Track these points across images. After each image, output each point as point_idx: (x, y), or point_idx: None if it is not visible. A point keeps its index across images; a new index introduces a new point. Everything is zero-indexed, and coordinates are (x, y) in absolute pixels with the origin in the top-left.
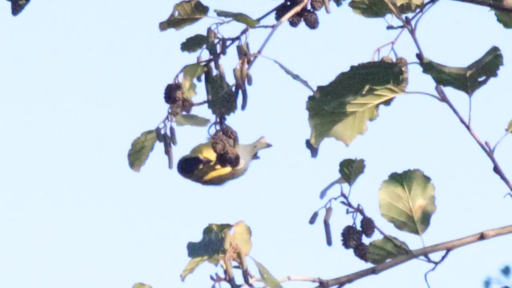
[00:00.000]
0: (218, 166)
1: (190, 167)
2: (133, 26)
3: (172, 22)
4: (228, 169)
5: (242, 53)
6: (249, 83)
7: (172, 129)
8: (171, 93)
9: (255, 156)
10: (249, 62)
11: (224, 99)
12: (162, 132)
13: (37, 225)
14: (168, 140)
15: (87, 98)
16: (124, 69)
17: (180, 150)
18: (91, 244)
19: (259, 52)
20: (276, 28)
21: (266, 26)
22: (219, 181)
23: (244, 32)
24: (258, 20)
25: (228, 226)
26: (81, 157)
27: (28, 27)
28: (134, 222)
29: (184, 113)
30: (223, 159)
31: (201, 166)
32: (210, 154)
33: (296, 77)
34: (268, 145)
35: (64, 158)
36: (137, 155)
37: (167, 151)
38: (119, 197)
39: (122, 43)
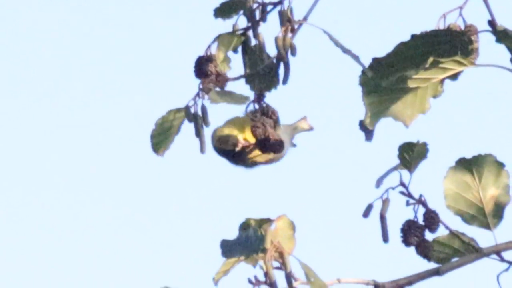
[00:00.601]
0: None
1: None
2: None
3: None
4: (266, 155)
5: (285, 19)
6: (293, 54)
7: (204, 108)
8: (203, 67)
9: (292, 143)
10: (293, 31)
11: (264, 72)
12: (193, 110)
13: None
14: (199, 120)
15: (105, 70)
16: (148, 38)
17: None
18: (108, 241)
19: (304, 18)
20: None
21: None
22: (255, 163)
23: None
24: None
25: (268, 221)
26: (99, 139)
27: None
28: (158, 216)
29: (217, 89)
30: (264, 144)
31: (239, 147)
32: (249, 134)
33: (346, 51)
34: (310, 128)
35: (81, 139)
36: (162, 137)
37: (199, 133)
38: (139, 186)
39: (145, 8)
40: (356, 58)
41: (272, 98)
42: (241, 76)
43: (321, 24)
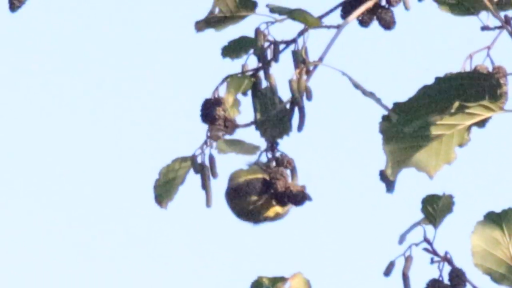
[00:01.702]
0: (272, 203)
1: (248, 190)
2: (163, 26)
3: (212, 21)
4: (278, 209)
5: (300, 60)
6: (308, 98)
7: (212, 158)
8: (210, 111)
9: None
10: (308, 72)
11: (276, 118)
12: (200, 160)
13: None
14: (206, 171)
15: (105, 112)
16: (151, 79)
17: (221, 184)
18: None
19: (320, 59)
20: (342, 29)
21: (329, 27)
22: (265, 219)
23: (301, 33)
24: (320, 18)
25: (282, 279)
26: (98, 187)
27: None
28: (161, 275)
29: (226, 136)
30: (284, 197)
31: (263, 191)
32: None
33: (367, 93)
34: (308, 199)
35: (83, 189)
36: (165, 188)
37: (205, 185)
38: (141, 241)
39: (149, 47)
40: (378, 101)
41: (283, 145)
42: (251, 122)
43: (337, 65)
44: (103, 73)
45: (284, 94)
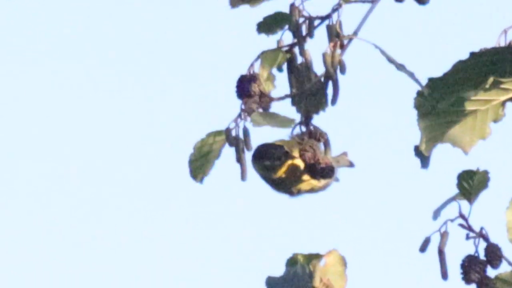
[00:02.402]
0: (305, 176)
1: (267, 154)
2: (198, 2)
3: None
4: (314, 182)
5: (334, 34)
6: (342, 72)
7: (246, 131)
8: (245, 86)
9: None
10: (343, 46)
11: (311, 93)
12: (234, 133)
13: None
14: (241, 144)
15: (137, 88)
16: (186, 54)
17: None
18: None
19: (355, 33)
20: (377, 4)
21: (364, 1)
22: (299, 191)
23: (336, 8)
24: None
25: (318, 256)
26: (131, 161)
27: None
28: (197, 249)
29: (260, 110)
30: (314, 170)
31: (282, 159)
32: (296, 158)
33: (400, 67)
34: (351, 165)
35: (112, 161)
36: (201, 162)
37: (240, 159)
38: (177, 215)
39: (186, 24)
40: (411, 75)
41: (319, 120)
42: (286, 96)
43: (372, 39)
44: (132, 48)
45: (319, 69)
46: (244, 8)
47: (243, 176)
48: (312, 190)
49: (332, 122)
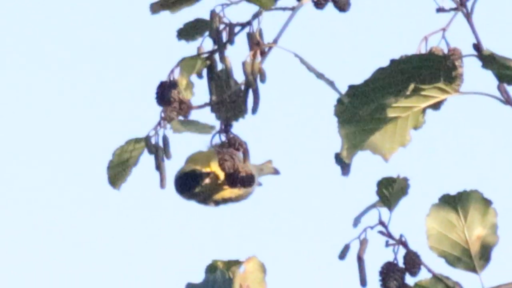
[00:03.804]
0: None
1: (191, 183)
2: (117, 8)
3: (166, 3)
4: (236, 191)
5: (254, 42)
6: (262, 80)
7: (165, 138)
8: (165, 93)
9: (258, 182)
10: (263, 54)
11: (231, 100)
12: (153, 141)
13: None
14: (160, 152)
15: (58, 96)
16: (106, 59)
17: (175, 165)
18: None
19: (275, 41)
20: (297, 11)
21: (284, 9)
22: (224, 200)
23: (256, 15)
24: (275, 0)
25: (237, 263)
26: (49, 164)
27: None
28: (112, 258)
29: (180, 118)
30: (233, 179)
31: (205, 182)
32: (215, 167)
33: (320, 75)
34: (276, 172)
35: (35, 173)
36: (119, 169)
37: (159, 166)
38: (93, 222)
39: (104, 29)
40: (331, 84)
41: (239, 128)
42: (206, 104)
43: (292, 47)
44: (57, 54)
45: (240, 76)
46: (165, 14)
47: (162, 184)
48: (235, 199)
49: (251, 131)
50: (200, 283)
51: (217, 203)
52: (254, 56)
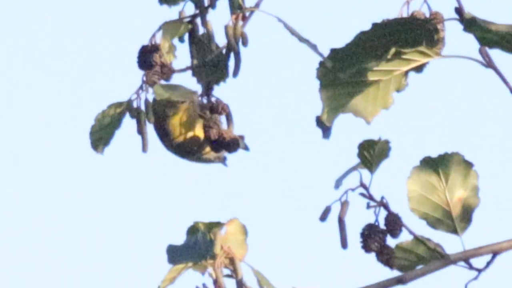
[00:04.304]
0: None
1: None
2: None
3: None
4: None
5: (236, 6)
6: (244, 44)
7: (147, 102)
8: (147, 57)
9: (245, 144)
10: (244, 18)
11: (212, 64)
12: (135, 105)
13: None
14: (142, 116)
15: (38, 60)
16: (89, 26)
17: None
18: (41, 244)
19: (256, 5)
20: None
21: None
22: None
23: None
24: None
25: (219, 224)
26: (33, 136)
27: None
28: (96, 219)
29: (163, 82)
30: (218, 144)
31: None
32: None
33: (303, 40)
34: (245, 148)
35: (14, 138)
36: (101, 133)
37: (141, 130)
38: (76, 185)
39: None
40: (314, 47)
41: (221, 91)
42: (187, 68)
43: (274, 11)
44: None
45: (221, 40)
46: None
47: (144, 148)
48: (212, 160)
49: (234, 94)
50: (181, 244)
51: (201, 161)
52: (236, 20)
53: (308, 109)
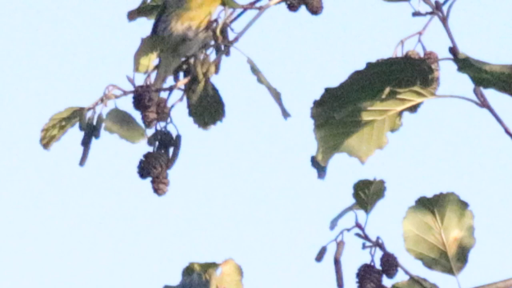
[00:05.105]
0: None
1: None
2: (95, 14)
3: (144, 10)
4: None
5: (214, 38)
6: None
7: (100, 118)
8: (141, 97)
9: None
10: (219, 51)
11: (208, 104)
12: (90, 115)
13: None
14: (90, 130)
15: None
16: (83, 67)
17: (105, 144)
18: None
19: (235, 39)
20: (264, 11)
21: (251, 8)
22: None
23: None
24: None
25: (214, 265)
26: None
27: None
28: (93, 259)
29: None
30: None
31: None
32: None
33: (270, 88)
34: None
35: None
36: (51, 132)
37: (85, 143)
38: (73, 221)
39: (83, 36)
40: (277, 95)
41: (217, 130)
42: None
43: (271, 46)
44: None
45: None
46: (141, 20)
47: (82, 161)
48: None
49: (231, 131)
50: (177, 285)
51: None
52: (206, 55)
53: (303, 149)
